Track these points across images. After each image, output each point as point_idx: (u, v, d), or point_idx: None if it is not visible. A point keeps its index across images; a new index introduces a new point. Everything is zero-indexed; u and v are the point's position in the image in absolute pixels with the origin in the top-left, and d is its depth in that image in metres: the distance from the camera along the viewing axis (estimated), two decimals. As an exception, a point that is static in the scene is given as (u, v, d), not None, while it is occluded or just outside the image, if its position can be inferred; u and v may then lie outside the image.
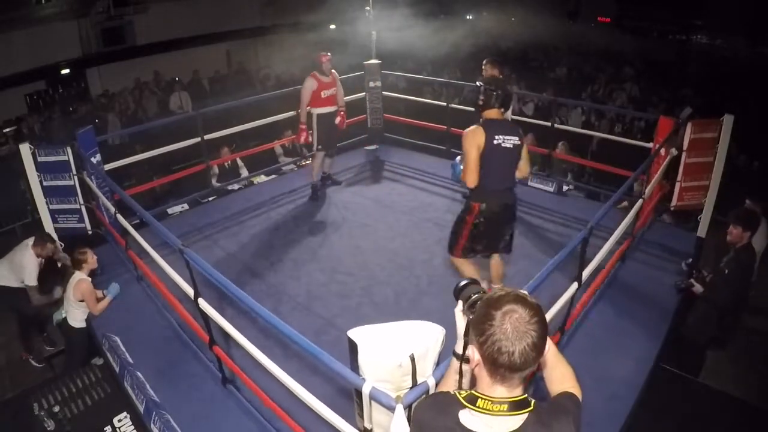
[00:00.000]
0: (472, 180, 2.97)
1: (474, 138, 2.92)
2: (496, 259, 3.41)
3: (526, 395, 1.18)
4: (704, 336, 3.53)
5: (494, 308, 1.14)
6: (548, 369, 1.37)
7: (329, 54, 5.17)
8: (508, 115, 3.15)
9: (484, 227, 3.13)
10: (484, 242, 3.24)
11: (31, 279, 3.92)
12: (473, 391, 1.21)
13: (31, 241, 3.99)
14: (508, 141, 2.95)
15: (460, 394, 1.22)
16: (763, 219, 3.82)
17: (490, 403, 1.16)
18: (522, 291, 1.19)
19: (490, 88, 2.95)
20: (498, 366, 1.13)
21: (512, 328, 1.11)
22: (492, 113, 2.99)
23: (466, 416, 1.19)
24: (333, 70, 5.24)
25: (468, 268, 3.33)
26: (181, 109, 9.57)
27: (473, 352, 1.19)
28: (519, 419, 1.16)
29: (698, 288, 3.60)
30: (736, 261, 3.38)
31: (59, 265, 4.31)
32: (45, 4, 9.55)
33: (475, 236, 3.18)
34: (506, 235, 3.29)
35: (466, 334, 1.32)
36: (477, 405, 1.17)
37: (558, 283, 3.02)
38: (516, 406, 1.16)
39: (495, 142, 2.92)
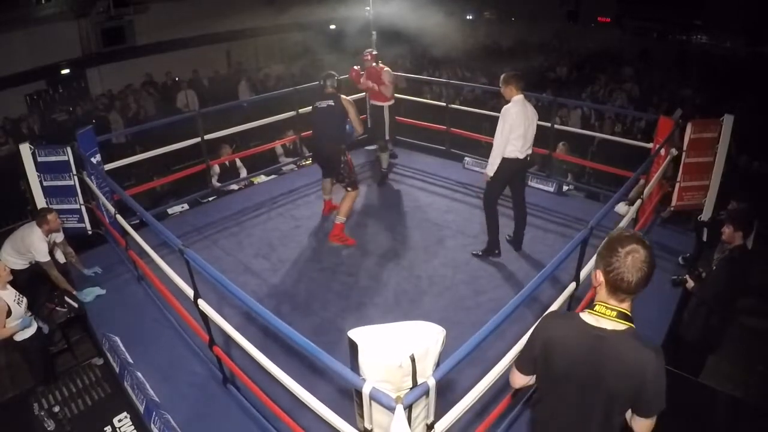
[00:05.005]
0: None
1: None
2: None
3: (630, 314, 1.57)
4: (692, 333, 3.52)
5: (621, 246, 1.51)
6: None
7: (370, 51, 5.81)
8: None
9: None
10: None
11: (44, 256, 3.91)
12: (595, 302, 1.62)
13: (33, 223, 3.97)
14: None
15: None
16: None
17: (605, 308, 1.58)
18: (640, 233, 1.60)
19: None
20: (617, 289, 1.54)
21: (632, 262, 1.50)
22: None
23: (585, 315, 1.63)
24: (385, 68, 5.70)
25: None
26: (187, 108, 9.55)
27: (598, 276, 1.58)
28: (623, 326, 1.56)
29: (691, 284, 3.60)
30: (728, 260, 3.38)
31: (64, 260, 4.32)
32: (45, 4, 9.54)
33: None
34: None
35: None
36: (595, 309, 1.60)
37: (558, 283, 3.03)
38: (624, 316, 1.57)
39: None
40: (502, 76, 4.05)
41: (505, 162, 4.02)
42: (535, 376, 1.82)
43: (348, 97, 4.56)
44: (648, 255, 1.50)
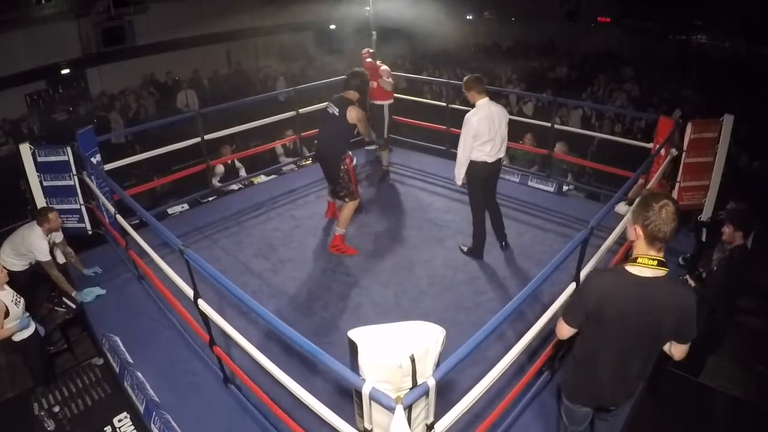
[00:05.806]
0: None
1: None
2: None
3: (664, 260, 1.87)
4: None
5: (654, 202, 1.80)
6: None
7: (367, 50, 5.75)
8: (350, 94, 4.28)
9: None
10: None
11: (45, 255, 3.89)
12: (635, 255, 1.89)
13: (33, 223, 3.95)
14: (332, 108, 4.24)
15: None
16: None
17: (647, 259, 1.86)
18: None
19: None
20: (655, 239, 1.83)
21: (666, 215, 1.78)
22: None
23: (630, 267, 1.89)
24: (383, 66, 5.65)
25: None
26: (187, 108, 9.59)
27: (637, 230, 1.86)
28: (662, 272, 1.87)
29: (691, 284, 3.60)
30: (728, 260, 3.38)
31: (64, 261, 4.32)
32: (45, 4, 9.52)
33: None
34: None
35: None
36: (638, 261, 1.87)
37: (558, 283, 3.02)
38: (661, 264, 1.86)
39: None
40: (463, 81, 4.01)
41: (476, 165, 4.01)
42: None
43: (360, 111, 4.20)
44: (677, 208, 1.80)
